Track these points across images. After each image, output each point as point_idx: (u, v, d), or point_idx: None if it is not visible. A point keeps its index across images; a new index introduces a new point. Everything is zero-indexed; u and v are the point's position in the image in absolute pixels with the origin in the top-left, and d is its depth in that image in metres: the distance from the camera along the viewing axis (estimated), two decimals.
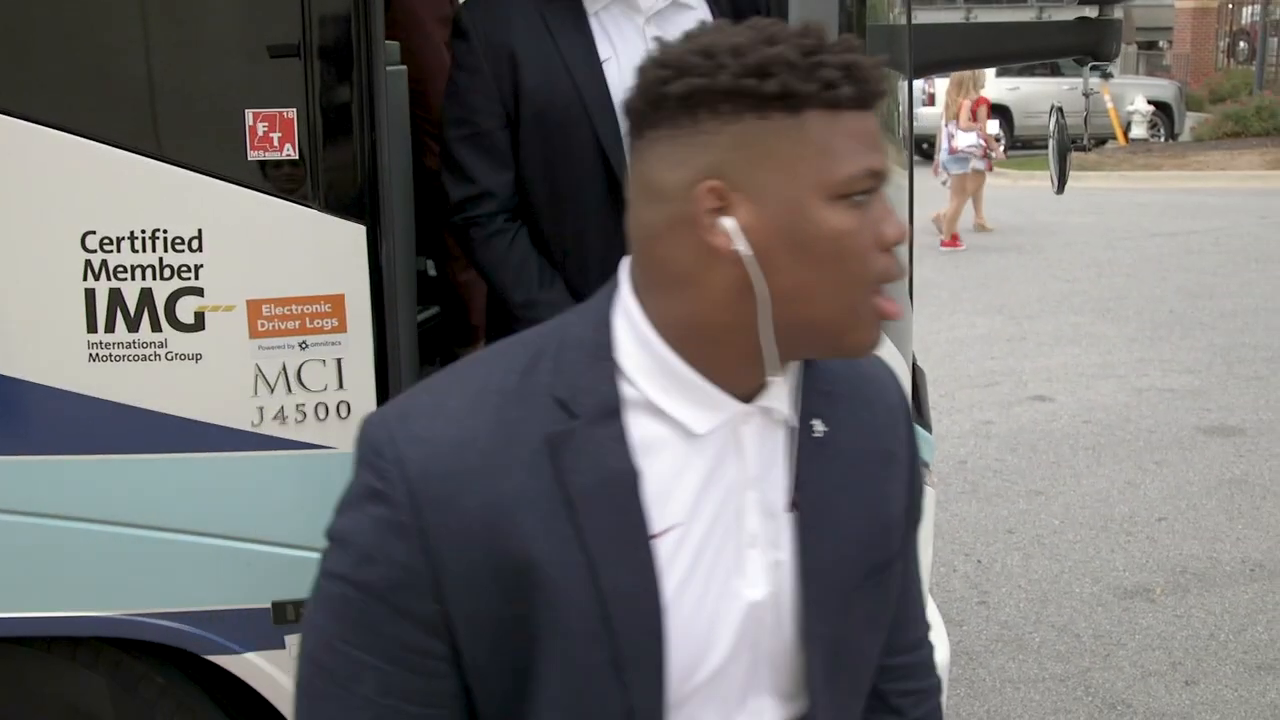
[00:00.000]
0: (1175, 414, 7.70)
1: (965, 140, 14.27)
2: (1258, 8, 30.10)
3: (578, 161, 2.51)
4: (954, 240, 14.18)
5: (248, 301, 2.33)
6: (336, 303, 2.33)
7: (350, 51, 2.28)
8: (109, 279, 2.31)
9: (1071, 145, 2.81)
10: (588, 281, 2.44)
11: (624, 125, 1.38)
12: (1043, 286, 11.83)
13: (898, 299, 1.29)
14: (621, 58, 2.50)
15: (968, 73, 13.80)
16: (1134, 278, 12.16)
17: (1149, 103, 24.15)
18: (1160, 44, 32.29)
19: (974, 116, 14.36)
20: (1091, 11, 2.66)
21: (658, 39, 1.93)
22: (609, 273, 1.33)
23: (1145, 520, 6.03)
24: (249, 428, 2.37)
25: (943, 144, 14.65)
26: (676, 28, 2.22)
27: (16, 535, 2.38)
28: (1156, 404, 7.94)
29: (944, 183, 14.57)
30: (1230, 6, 30.41)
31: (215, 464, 2.39)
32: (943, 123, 14.82)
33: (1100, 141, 22.47)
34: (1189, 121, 25.26)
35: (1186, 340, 9.56)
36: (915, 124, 2.99)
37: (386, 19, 2.43)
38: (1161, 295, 11.25)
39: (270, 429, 2.38)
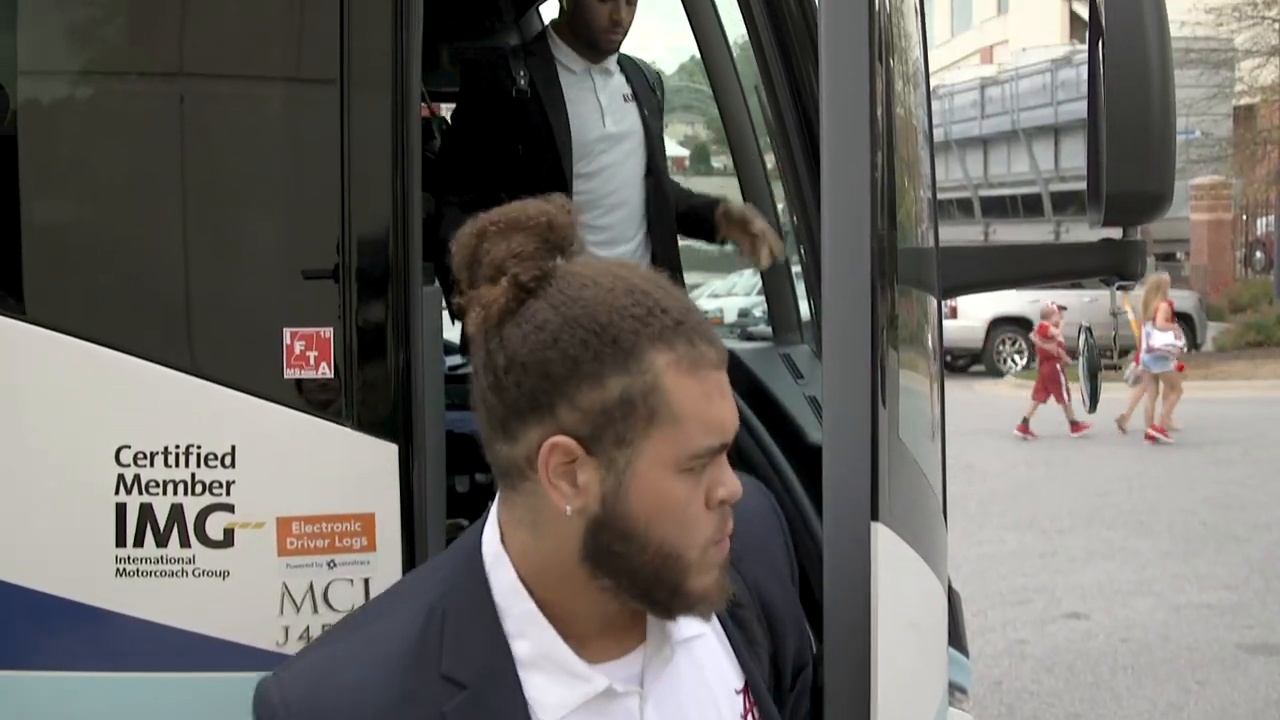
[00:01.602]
0: (1215, 631, 7.52)
1: (1162, 339, 15.13)
2: (1272, 218, 30.58)
3: None
4: (1161, 430, 14.83)
5: (278, 519, 2.32)
6: (367, 522, 2.32)
7: (388, 273, 2.33)
8: (141, 493, 2.31)
9: (1102, 364, 2.82)
10: None
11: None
12: (1073, 500, 11.71)
13: (932, 521, 1.30)
14: None
15: (1163, 275, 14.83)
16: (1164, 490, 12.05)
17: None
18: (1178, 255, 32.74)
19: (1170, 318, 15.17)
20: (1115, 233, 2.70)
21: None
22: None
23: None
24: (273, 647, 2.33)
25: (1142, 344, 15.43)
26: None
27: None
28: (1195, 621, 7.76)
29: (1134, 381, 15.24)
30: (1245, 218, 30.91)
31: (236, 684, 2.34)
32: (1141, 325, 15.50)
33: (1124, 352, 22.59)
34: (1210, 331, 25.41)
35: (1221, 554, 9.41)
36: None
37: None
38: (1192, 508, 11.12)
39: (294, 649, 2.33)
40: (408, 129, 2.38)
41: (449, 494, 3.24)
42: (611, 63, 3.66)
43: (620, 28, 3.54)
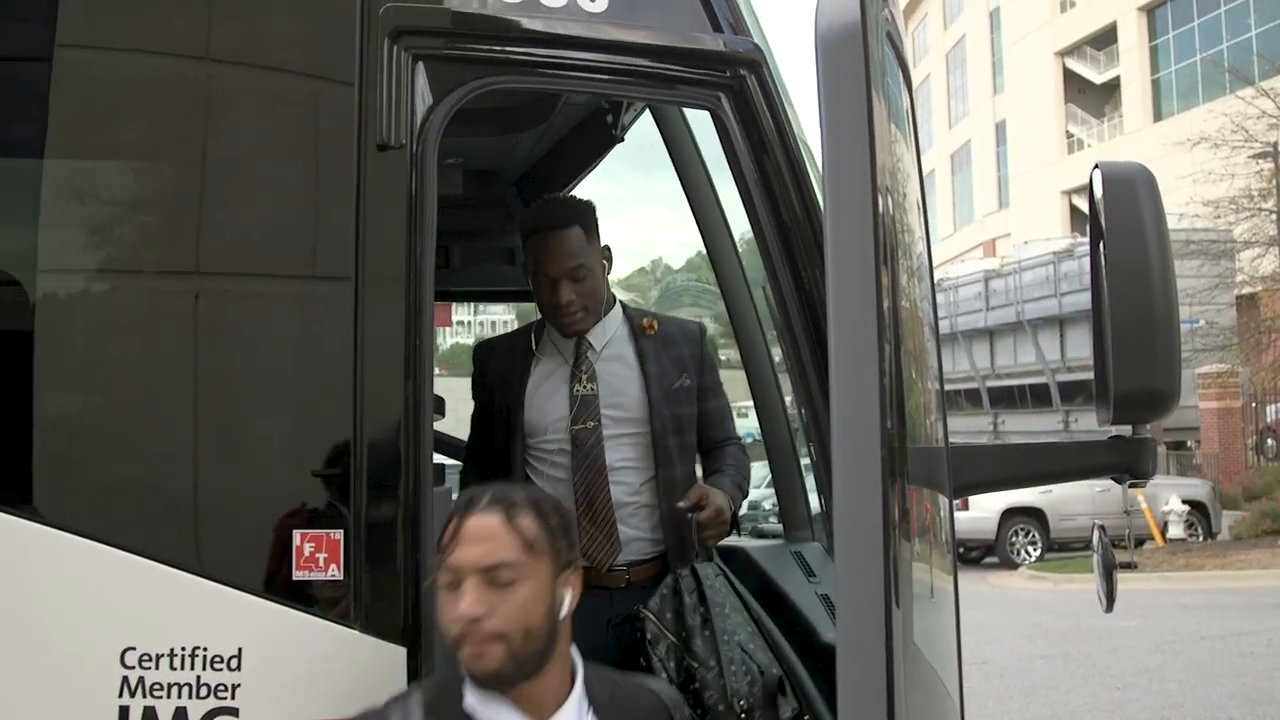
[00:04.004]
0: None
1: None
2: None
3: None
4: None
5: None
6: None
7: (399, 475, 2.34)
8: (144, 696, 2.28)
9: (1117, 562, 2.79)
10: None
11: None
12: (1093, 695, 11.43)
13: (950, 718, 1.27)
14: None
15: None
16: (1187, 684, 11.76)
17: (1184, 502, 24.19)
18: (1188, 444, 32.70)
19: None
20: (1125, 430, 2.70)
21: None
22: None
23: None
24: None
25: None
26: None
27: None
28: None
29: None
30: (1254, 405, 30.97)
31: None
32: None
33: (1138, 543, 22.35)
34: (1225, 519, 25.18)
35: None
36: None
37: None
38: (1219, 702, 10.83)
39: None
40: (420, 331, 2.41)
41: None
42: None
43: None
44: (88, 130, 2.52)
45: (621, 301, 3.62)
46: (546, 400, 3.44)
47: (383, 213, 2.43)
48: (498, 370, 3.55)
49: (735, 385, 4.15)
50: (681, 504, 3.28)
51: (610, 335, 3.51)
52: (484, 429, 3.58)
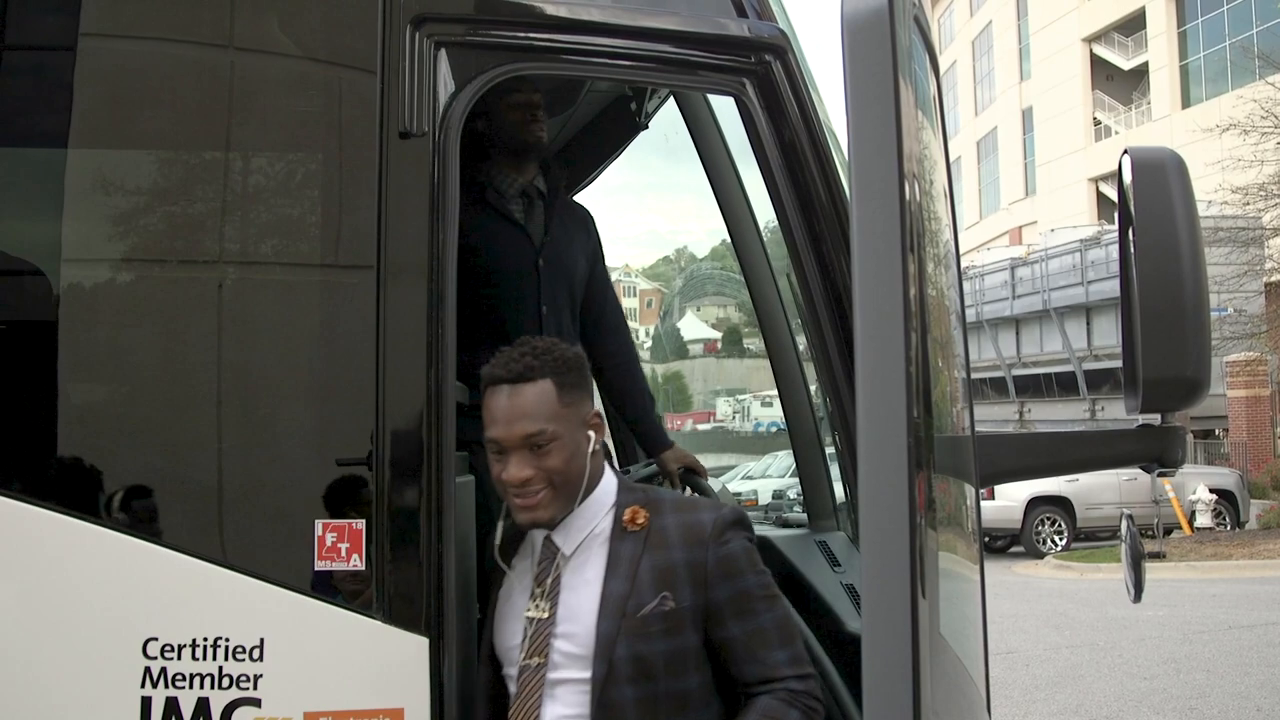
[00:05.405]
0: None
1: None
2: None
3: None
4: None
5: (305, 714, 2.27)
6: (396, 717, 2.27)
7: (421, 464, 2.33)
8: (167, 687, 2.28)
9: (1145, 551, 2.76)
10: None
11: None
12: (1120, 685, 11.38)
13: (975, 716, 1.25)
14: None
15: None
16: (1215, 674, 11.69)
17: (1211, 491, 24.06)
18: (1216, 433, 32.50)
19: None
20: (1153, 418, 2.68)
21: None
22: None
23: None
24: None
25: None
26: None
27: None
28: None
29: None
30: None
31: None
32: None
33: (1166, 532, 22.24)
34: (1254, 509, 25.02)
35: None
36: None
37: None
38: (1246, 692, 10.77)
39: None
40: (442, 319, 2.40)
41: None
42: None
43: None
44: (109, 120, 2.51)
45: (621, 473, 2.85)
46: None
47: (405, 201, 2.42)
48: None
49: (760, 374, 4.12)
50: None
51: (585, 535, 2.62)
52: None
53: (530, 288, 3.54)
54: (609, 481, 2.63)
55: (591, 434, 2.57)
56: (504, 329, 3.34)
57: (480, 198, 3.53)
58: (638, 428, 3.88)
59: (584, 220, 3.86)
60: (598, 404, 2.71)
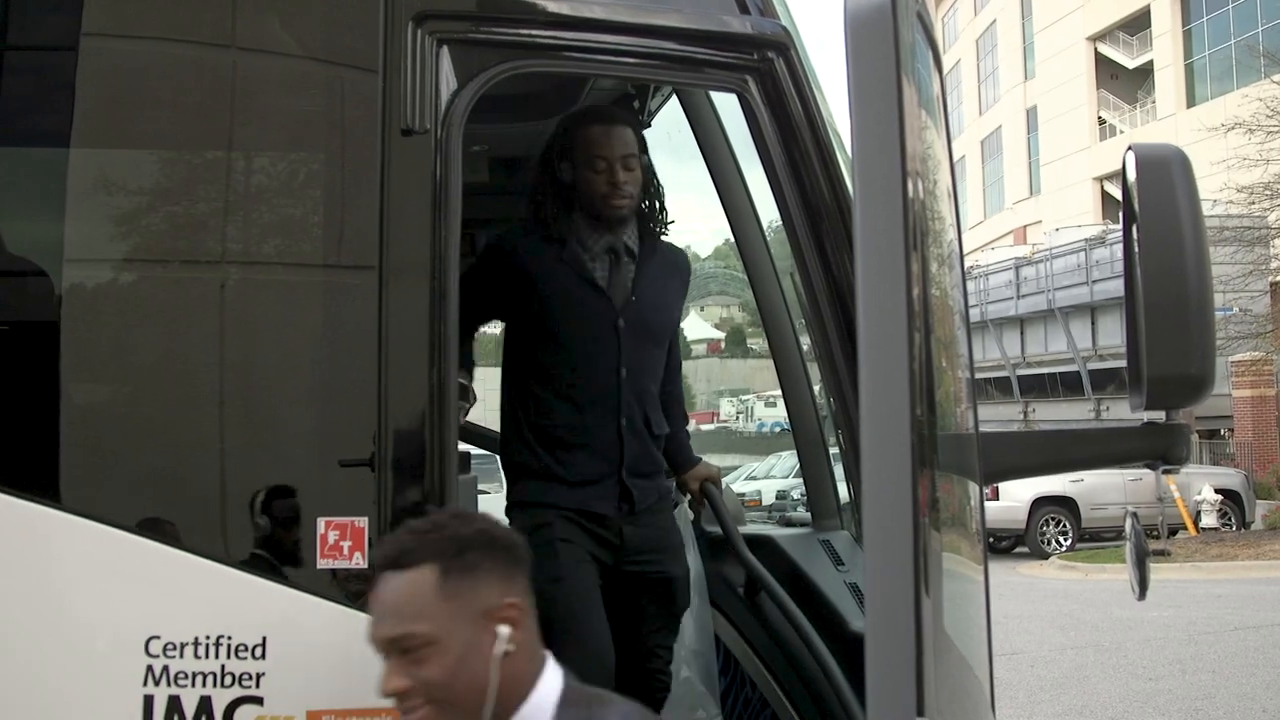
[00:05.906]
0: None
1: None
2: None
3: None
4: None
5: (308, 712, 2.27)
6: (398, 716, 2.26)
7: (423, 461, 2.32)
8: (169, 685, 2.28)
9: (1150, 550, 2.75)
10: None
11: None
12: (1125, 686, 11.36)
13: (979, 715, 1.24)
14: None
15: None
16: (1220, 675, 11.67)
17: (1217, 491, 24.02)
18: (1222, 433, 32.45)
19: None
20: (1157, 416, 2.67)
21: None
22: None
23: None
24: None
25: None
26: None
27: None
28: None
29: None
30: None
31: None
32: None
33: (1171, 532, 22.21)
34: (1259, 509, 24.98)
35: None
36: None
37: None
38: (1252, 693, 10.75)
39: None
40: (444, 318, 2.40)
41: None
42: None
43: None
44: (111, 119, 2.51)
45: None
46: None
47: (407, 199, 2.42)
48: None
49: (764, 374, 4.12)
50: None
51: None
52: None
53: (608, 351, 3.39)
54: (545, 692, 2.09)
55: (503, 630, 2.04)
56: (573, 394, 3.33)
57: (559, 255, 3.39)
58: (668, 446, 3.73)
59: (681, 269, 3.73)
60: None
